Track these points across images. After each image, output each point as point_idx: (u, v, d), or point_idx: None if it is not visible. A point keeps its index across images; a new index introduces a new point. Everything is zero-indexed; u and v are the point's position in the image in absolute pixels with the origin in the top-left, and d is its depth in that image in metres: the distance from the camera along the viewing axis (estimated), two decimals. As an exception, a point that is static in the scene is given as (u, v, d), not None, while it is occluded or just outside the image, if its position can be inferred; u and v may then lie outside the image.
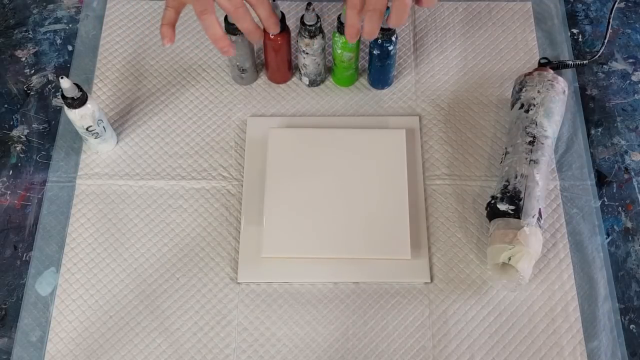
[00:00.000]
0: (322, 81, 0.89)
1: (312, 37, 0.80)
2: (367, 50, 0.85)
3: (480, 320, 0.75)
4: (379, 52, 0.82)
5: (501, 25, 0.94)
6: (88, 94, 0.77)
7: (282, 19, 0.79)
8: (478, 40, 0.93)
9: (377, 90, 0.89)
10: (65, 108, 0.77)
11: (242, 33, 0.80)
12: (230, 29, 0.79)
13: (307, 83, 0.89)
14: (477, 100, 0.89)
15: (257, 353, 0.74)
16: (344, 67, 0.85)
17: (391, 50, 0.82)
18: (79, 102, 0.76)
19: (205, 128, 0.87)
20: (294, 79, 0.90)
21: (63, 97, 0.75)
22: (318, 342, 0.75)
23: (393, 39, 0.80)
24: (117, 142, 0.86)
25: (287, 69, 0.88)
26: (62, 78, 0.73)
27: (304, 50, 0.82)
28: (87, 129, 0.79)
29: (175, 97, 0.89)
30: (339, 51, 0.82)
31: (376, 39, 0.80)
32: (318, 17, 0.79)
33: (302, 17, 0.79)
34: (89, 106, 0.77)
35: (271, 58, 0.85)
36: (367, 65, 0.88)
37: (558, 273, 0.77)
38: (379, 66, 0.84)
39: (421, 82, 0.90)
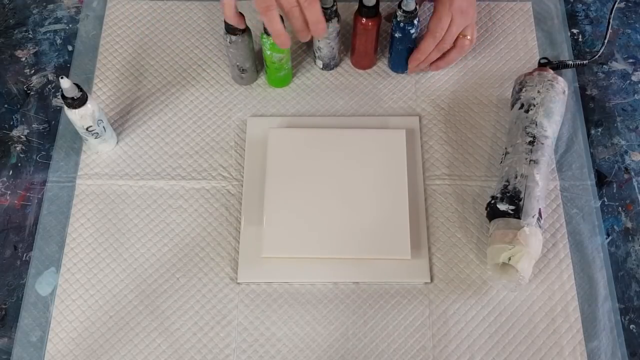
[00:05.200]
0: (336, 65, 0.89)
1: (327, 20, 0.78)
2: (388, 31, 0.85)
3: (480, 320, 0.75)
4: (400, 35, 0.81)
5: (501, 25, 0.94)
6: (88, 94, 0.77)
7: (377, 4, 0.78)
8: (478, 40, 0.93)
9: (378, 89, 0.89)
10: (65, 108, 0.77)
11: (241, 33, 0.80)
12: (230, 28, 0.79)
13: (321, 66, 0.88)
14: (477, 100, 0.89)
15: (257, 353, 0.74)
16: (276, 68, 0.84)
17: (413, 33, 0.81)
18: (79, 102, 0.76)
19: (205, 128, 0.87)
20: (294, 79, 0.90)
21: (63, 97, 0.75)
22: (318, 342, 0.75)
23: (415, 22, 0.79)
24: (117, 142, 0.86)
25: (373, 55, 0.87)
26: (62, 78, 0.73)
27: None
28: (87, 129, 0.79)
29: (175, 97, 0.89)
30: (268, 52, 0.82)
31: (398, 22, 0.80)
32: (334, 0, 0.78)
33: None
34: (89, 106, 0.77)
35: (360, 43, 0.84)
36: (388, 48, 0.88)
37: (558, 273, 0.77)
38: (400, 49, 0.84)
39: (421, 82, 0.90)
